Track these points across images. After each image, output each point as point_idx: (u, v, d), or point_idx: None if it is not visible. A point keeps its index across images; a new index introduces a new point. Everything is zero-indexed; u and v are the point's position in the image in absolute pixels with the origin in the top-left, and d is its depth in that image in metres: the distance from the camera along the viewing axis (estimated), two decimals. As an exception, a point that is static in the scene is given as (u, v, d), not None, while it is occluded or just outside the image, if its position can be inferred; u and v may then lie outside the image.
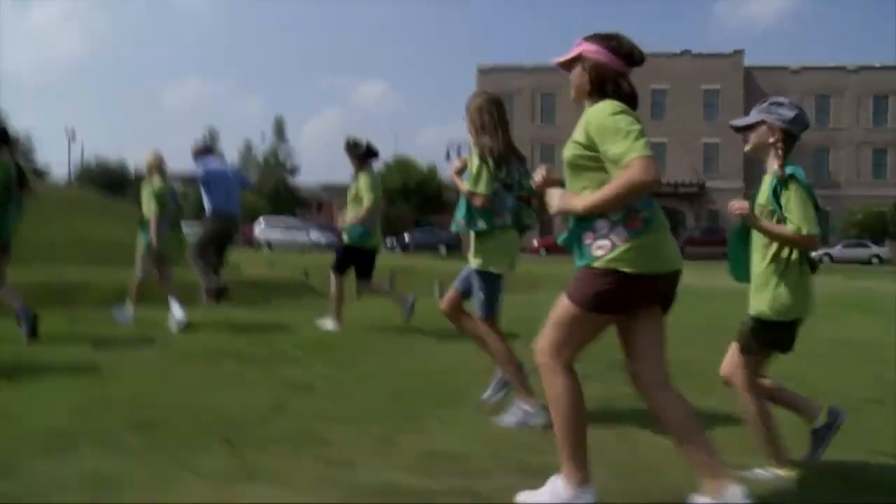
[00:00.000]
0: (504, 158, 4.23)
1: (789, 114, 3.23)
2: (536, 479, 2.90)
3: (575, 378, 2.81)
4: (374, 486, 3.01)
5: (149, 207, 7.34)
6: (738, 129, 3.39)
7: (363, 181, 7.23)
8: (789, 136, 3.23)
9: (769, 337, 3.21)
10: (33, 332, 6.06)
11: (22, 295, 6.30)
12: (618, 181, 2.63)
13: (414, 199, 44.34)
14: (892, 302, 13.10)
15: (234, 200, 8.42)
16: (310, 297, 12.78)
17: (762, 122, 3.26)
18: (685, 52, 54.15)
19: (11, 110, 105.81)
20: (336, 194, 63.21)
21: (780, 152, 3.20)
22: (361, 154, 7.31)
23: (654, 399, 2.77)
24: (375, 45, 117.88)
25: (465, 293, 4.58)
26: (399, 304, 7.73)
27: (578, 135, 2.79)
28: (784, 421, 3.39)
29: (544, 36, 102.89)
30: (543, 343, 2.83)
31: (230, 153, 69.81)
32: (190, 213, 21.45)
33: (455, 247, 45.52)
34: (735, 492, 2.62)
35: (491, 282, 4.27)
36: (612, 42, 2.88)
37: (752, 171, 52.09)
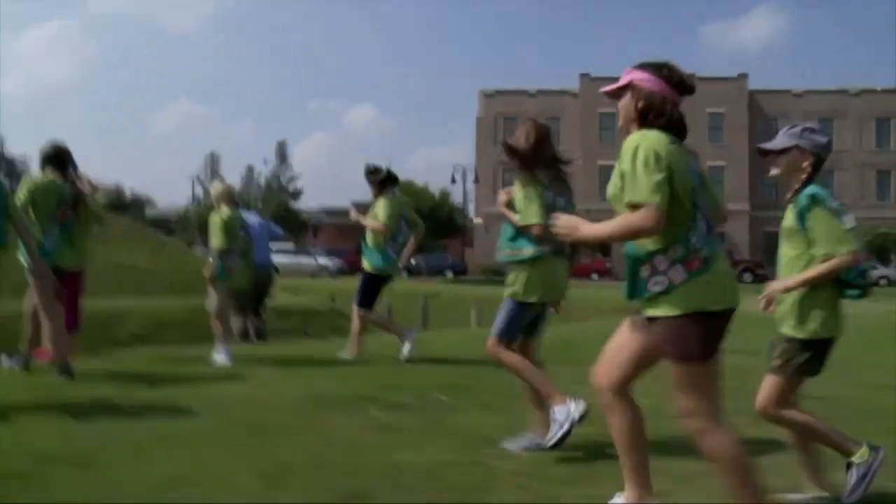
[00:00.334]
0: (553, 185, 4.18)
1: (822, 140, 3.27)
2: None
3: (726, 429, 2.68)
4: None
5: (218, 239, 6.95)
6: (767, 153, 3.36)
7: (381, 206, 7.11)
8: (819, 162, 3.25)
9: (803, 358, 3.16)
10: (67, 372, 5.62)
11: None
12: (619, 221, 2.63)
13: (428, 224, 44.61)
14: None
15: (265, 250, 8.37)
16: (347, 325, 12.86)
17: (794, 147, 3.27)
18: (689, 76, 54.44)
19: (6, 134, 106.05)
20: (336, 217, 63.65)
21: (805, 176, 3.22)
22: (381, 180, 7.24)
23: (708, 438, 2.68)
24: (364, 69, 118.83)
25: (530, 331, 4.36)
26: (401, 337, 7.26)
27: (621, 164, 2.71)
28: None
29: (533, 61, 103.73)
30: (687, 409, 2.69)
31: (232, 177, 70.13)
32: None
33: (461, 272, 45.67)
34: None
35: (520, 309, 4.17)
36: (663, 70, 2.84)
37: (757, 194, 52.25)
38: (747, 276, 42.54)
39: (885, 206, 54.13)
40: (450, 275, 43.84)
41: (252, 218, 9.16)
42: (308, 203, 64.14)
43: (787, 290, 3.18)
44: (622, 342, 2.95)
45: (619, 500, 3.01)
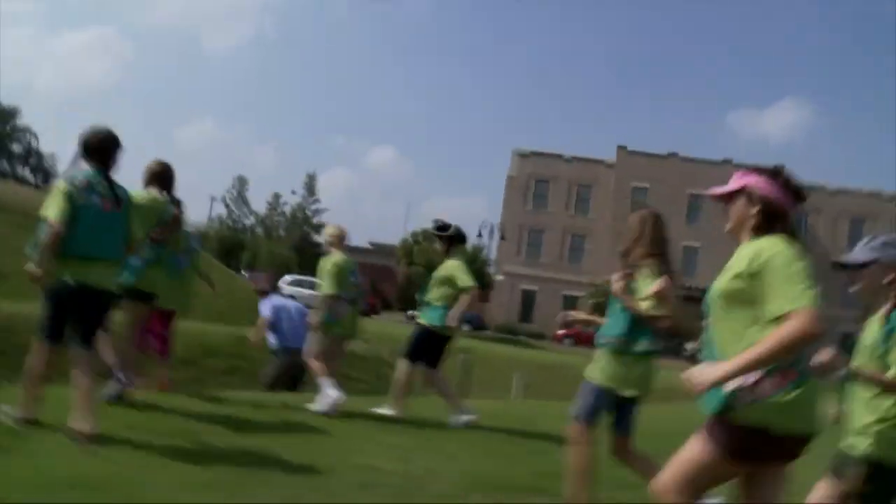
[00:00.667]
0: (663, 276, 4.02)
1: None
2: None
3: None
4: None
5: (329, 285, 6.71)
6: (846, 268, 3.27)
7: (455, 266, 6.76)
8: None
9: (887, 485, 3.03)
10: (118, 398, 5.43)
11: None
12: (775, 339, 2.43)
13: None
14: None
15: (301, 335, 8.11)
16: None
17: (875, 262, 3.17)
18: (726, 161, 54.79)
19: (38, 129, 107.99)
20: (353, 255, 63.12)
21: (893, 293, 3.11)
22: (451, 237, 6.91)
23: None
24: (391, 112, 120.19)
25: (624, 429, 4.21)
26: (454, 409, 6.85)
27: (740, 266, 2.64)
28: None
29: (561, 125, 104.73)
30: (669, 479, 2.70)
31: (257, 203, 70.61)
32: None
33: (480, 327, 45.57)
34: None
35: (607, 397, 4.05)
36: (779, 177, 2.79)
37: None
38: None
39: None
40: (466, 328, 43.78)
41: (289, 303, 9.26)
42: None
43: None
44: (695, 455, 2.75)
45: None
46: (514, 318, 55.17)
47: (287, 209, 65.33)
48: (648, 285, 3.99)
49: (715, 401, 2.58)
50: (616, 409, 4.14)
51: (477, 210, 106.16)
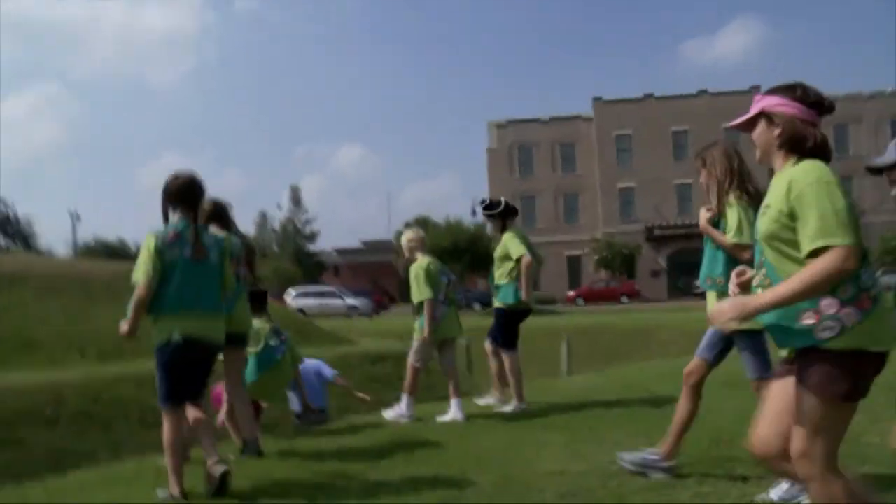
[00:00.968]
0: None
1: None
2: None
3: (844, 478, 2.52)
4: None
5: (423, 290, 6.58)
6: (881, 171, 3.19)
7: (507, 238, 6.86)
8: None
9: None
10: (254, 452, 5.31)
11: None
12: (809, 274, 2.38)
13: (465, 258, 45.23)
14: None
15: (319, 394, 8.05)
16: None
17: None
18: (702, 92, 54.72)
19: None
20: (348, 257, 64.34)
21: None
22: (502, 212, 7.02)
23: (822, 486, 2.53)
24: (347, 110, 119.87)
25: (716, 361, 4.14)
26: (514, 393, 6.90)
27: (779, 204, 2.53)
28: None
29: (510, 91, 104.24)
30: (807, 451, 2.51)
31: (244, 224, 70.33)
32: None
33: (489, 303, 45.61)
34: None
35: (758, 336, 3.93)
36: (797, 92, 2.65)
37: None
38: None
39: (910, 208, 53.73)
40: (478, 307, 43.86)
41: (306, 364, 9.11)
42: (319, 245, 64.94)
43: None
44: (783, 405, 2.65)
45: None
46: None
47: (276, 225, 65.33)
48: (736, 218, 3.98)
49: (796, 337, 2.50)
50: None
51: (451, 189, 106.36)
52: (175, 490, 4.19)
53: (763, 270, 2.63)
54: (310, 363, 9.09)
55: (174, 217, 4.47)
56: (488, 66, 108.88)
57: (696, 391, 4.10)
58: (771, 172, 2.70)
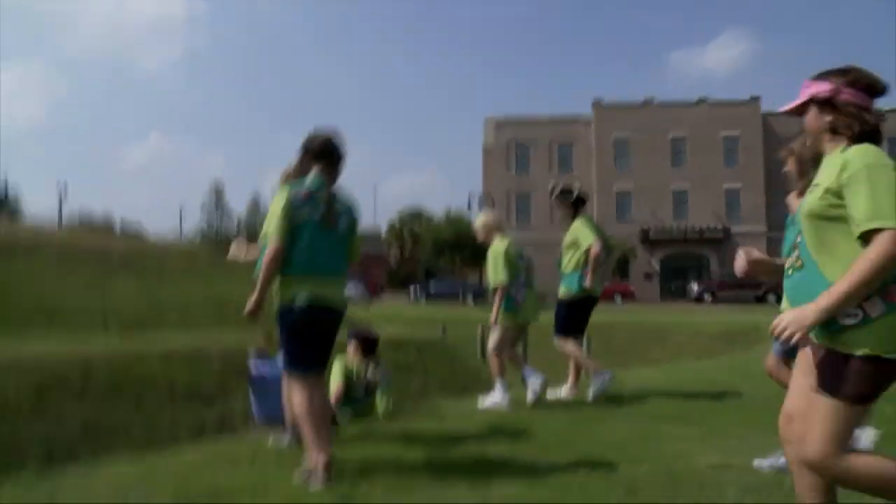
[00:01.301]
0: None
1: None
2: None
3: (851, 452, 2.49)
4: None
5: (501, 273, 6.39)
6: None
7: (577, 226, 6.72)
8: None
9: None
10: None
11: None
12: (867, 262, 2.32)
13: (466, 251, 45.20)
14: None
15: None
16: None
17: None
18: (702, 101, 54.78)
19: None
20: None
21: None
22: (575, 201, 6.86)
23: (839, 471, 2.50)
24: (337, 99, 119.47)
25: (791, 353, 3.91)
26: (570, 378, 6.85)
27: (829, 181, 2.49)
28: None
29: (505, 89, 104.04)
30: (819, 450, 2.47)
31: (237, 209, 69.68)
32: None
33: (481, 295, 45.55)
34: None
35: None
36: (849, 76, 2.60)
37: (773, 215, 52.28)
38: (771, 298, 42.45)
39: None
40: (470, 300, 43.67)
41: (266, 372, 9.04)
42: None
43: None
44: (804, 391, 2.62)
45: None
46: (514, 285, 55.12)
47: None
48: None
49: (822, 330, 2.43)
50: None
51: (436, 183, 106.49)
52: (316, 462, 3.84)
53: (796, 252, 2.59)
54: (272, 373, 8.88)
55: (311, 175, 4.20)
56: (487, 62, 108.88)
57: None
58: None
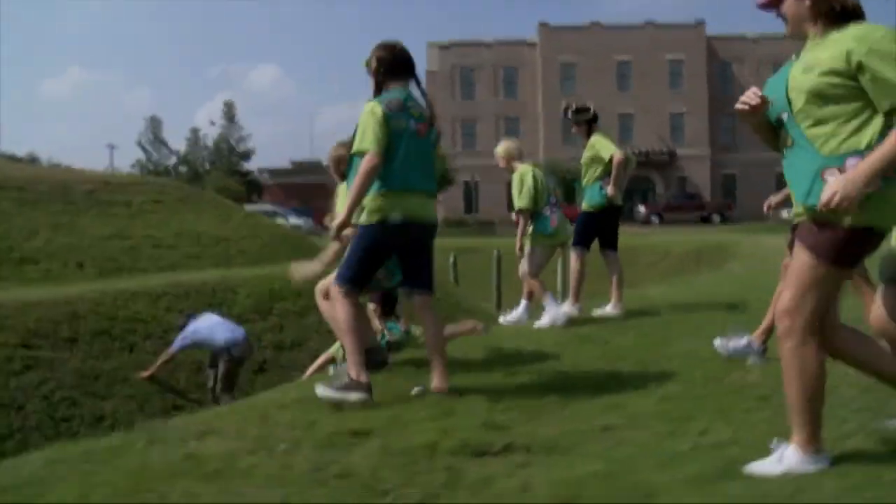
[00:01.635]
0: None
1: None
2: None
3: (821, 346, 2.60)
4: None
5: (521, 199, 6.42)
6: None
7: (595, 140, 6.75)
8: None
9: None
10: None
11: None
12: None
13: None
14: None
15: (221, 329, 8.97)
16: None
17: None
18: (648, 24, 54.62)
19: None
20: (278, 177, 62.48)
21: None
22: (590, 119, 6.85)
23: (793, 345, 2.60)
24: (260, 30, 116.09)
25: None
26: (571, 292, 6.91)
27: (833, 61, 2.51)
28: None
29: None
30: (790, 306, 2.60)
31: (177, 142, 67.40)
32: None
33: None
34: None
35: None
36: None
37: (716, 139, 53.10)
38: (716, 218, 43.49)
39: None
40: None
41: (198, 320, 9.26)
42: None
43: None
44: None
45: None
46: (460, 211, 55.03)
47: (209, 142, 62.47)
48: None
49: (819, 193, 2.49)
50: None
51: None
52: (356, 373, 3.78)
53: (783, 132, 2.67)
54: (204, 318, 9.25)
55: (393, 89, 4.01)
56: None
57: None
58: None
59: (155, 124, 61.99)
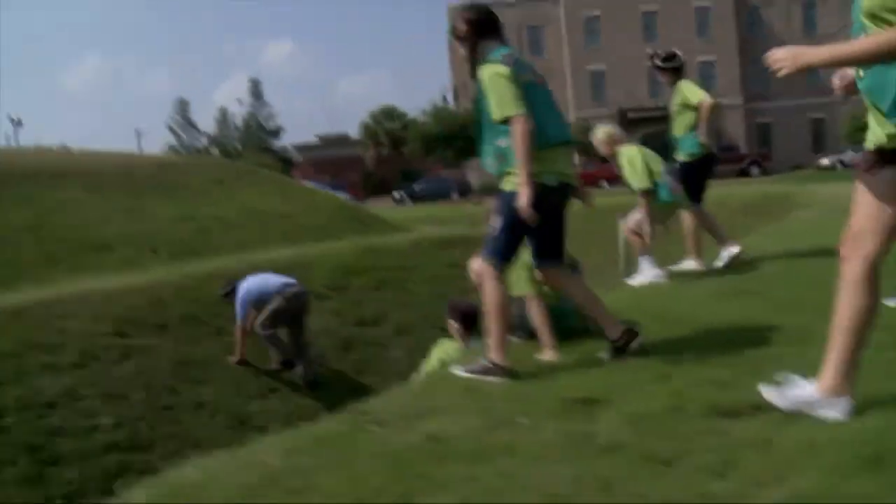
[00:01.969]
0: None
1: None
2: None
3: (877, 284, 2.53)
4: None
5: (640, 180, 6.29)
6: None
7: (683, 87, 6.71)
8: None
9: None
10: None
11: None
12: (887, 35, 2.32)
13: (456, 144, 44.10)
14: None
15: (268, 285, 8.99)
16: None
17: None
18: (673, -29, 53.51)
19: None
20: (307, 153, 62.22)
21: None
22: (678, 67, 6.79)
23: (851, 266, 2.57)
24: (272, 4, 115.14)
25: None
26: (721, 241, 6.84)
27: None
28: None
29: None
30: (849, 233, 2.57)
31: (206, 124, 67.21)
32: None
33: (467, 191, 45.13)
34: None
35: None
36: None
37: (749, 87, 52.05)
38: (755, 170, 42.68)
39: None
40: (456, 196, 43.19)
41: (244, 282, 9.20)
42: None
43: None
44: (873, 209, 2.55)
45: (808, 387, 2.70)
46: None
47: (239, 122, 62.42)
48: None
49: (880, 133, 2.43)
50: None
51: (384, 84, 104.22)
52: (497, 358, 3.58)
53: None
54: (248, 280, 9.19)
55: (493, 48, 3.80)
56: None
57: None
58: None
59: (183, 106, 62.00)
